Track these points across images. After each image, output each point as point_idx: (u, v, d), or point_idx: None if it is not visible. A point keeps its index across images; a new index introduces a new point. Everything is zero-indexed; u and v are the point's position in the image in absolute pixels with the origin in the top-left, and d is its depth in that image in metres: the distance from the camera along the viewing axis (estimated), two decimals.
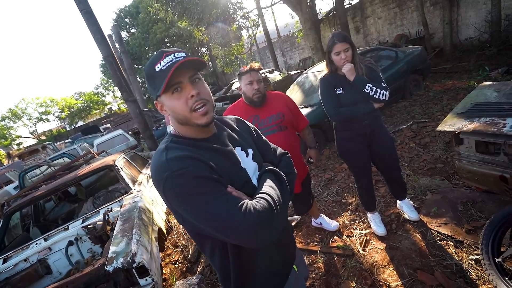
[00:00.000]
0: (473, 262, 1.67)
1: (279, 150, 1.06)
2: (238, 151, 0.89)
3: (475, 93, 2.08)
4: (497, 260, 1.39)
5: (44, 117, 22.88)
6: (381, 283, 1.78)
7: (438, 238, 1.94)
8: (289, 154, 1.05)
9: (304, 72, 5.41)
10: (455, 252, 1.79)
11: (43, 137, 22.66)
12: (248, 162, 0.90)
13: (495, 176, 1.65)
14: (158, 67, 0.75)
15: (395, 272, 1.82)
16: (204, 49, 21.39)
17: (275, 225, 0.73)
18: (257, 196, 0.77)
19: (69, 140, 15.17)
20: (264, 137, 1.06)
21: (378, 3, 9.71)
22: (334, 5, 8.29)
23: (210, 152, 0.81)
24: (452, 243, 1.86)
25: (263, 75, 8.55)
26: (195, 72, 0.79)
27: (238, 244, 0.76)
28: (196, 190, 0.69)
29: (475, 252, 1.72)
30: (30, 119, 22.66)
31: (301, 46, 14.50)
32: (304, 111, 3.96)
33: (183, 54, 0.78)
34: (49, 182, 3.82)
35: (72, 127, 23.42)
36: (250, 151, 0.93)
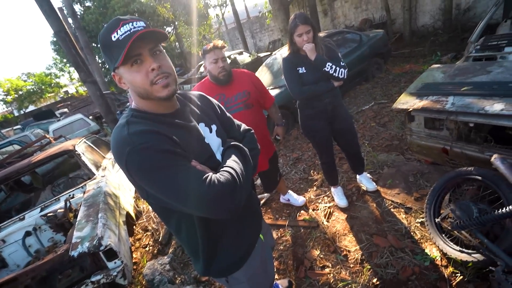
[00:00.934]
0: (418, 225, 1.90)
1: (243, 126, 1.08)
2: (202, 127, 0.90)
3: (425, 75, 2.27)
4: (436, 220, 1.59)
5: None
6: (342, 249, 1.96)
7: (392, 206, 2.15)
8: (253, 131, 1.08)
9: (272, 54, 5.40)
10: (405, 217, 2.01)
11: None
12: (211, 138, 0.91)
13: (439, 148, 1.85)
14: (114, 36, 0.71)
15: (354, 239, 2.00)
16: (169, 28, 20.13)
17: (238, 196, 0.75)
18: (220, 169, 0.79)
19: (18, 126, 13.68)
20: (228, 114, 1.07)
21: None
22: None
23: (173, 127, 0.80)
24: (403, 210, 2.08)
25: (232, 56, 8.38)
26: (156, 44, 0.76)
27: (204, 215, 0.78)
28: (159, 164, 0.69)
29: (421, 216, 1.95)
30: None
31: (270, 27, 14.34)
32: (273, 92, 4.00)
33: (142, 23, 0.74)
34: None
35: (22, 112, 21.02)
36: (213, 127, 0.94)
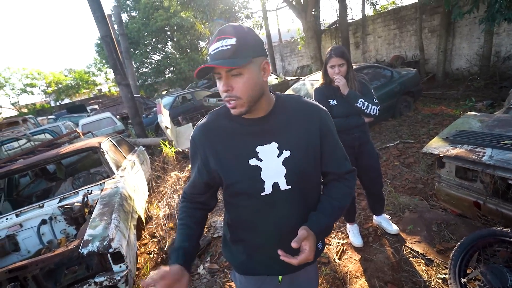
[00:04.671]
0: (440, 281, 1.75)
1: (347, 167, 0.95)
2: (272, 147, 0.83)
3: (460, 121, 2.18)
4: (462, 280, 1.46)
5: (28, 89, 21.85)
6: None
7: (411, 255, 2.01)
8: (354, 183, 0.96)
9: (301, 79, 5.47)
10: (425, 270, 1.86)
11: (25, 110, 21.64)
12: (272, 162, 0.82)
13: (470, 201, 1.73)
14: (209, 51, 0.75)
15: (366, 283, 1.87)
16: (204, 43, 21.19)
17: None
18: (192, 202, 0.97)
19: (52, 116, 14.61)
20: (336, 144, 0.96)
21: (380, 23, 9.99)
22: (338, 18, 8.46)
23: (228, 135, 0.85)
24: (423, 261, 1.93)
25: None
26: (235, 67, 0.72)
27: None
28: (191, 157, 0.93)
29: (443, 271, 1.80)
30: (13, 89, 21.60)
31: (300, 53, 14.68)
32: None
33: (232, 41, 0.70)
34: (27, 156, 3.67)
35: (58, 103, 22.49)
36: (286, 153, 0.83)
